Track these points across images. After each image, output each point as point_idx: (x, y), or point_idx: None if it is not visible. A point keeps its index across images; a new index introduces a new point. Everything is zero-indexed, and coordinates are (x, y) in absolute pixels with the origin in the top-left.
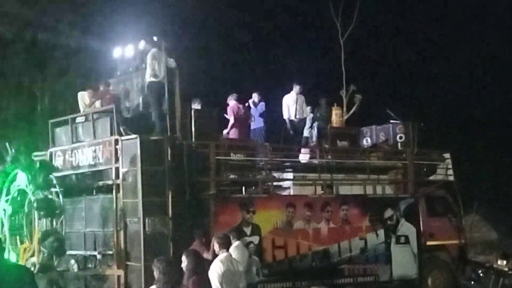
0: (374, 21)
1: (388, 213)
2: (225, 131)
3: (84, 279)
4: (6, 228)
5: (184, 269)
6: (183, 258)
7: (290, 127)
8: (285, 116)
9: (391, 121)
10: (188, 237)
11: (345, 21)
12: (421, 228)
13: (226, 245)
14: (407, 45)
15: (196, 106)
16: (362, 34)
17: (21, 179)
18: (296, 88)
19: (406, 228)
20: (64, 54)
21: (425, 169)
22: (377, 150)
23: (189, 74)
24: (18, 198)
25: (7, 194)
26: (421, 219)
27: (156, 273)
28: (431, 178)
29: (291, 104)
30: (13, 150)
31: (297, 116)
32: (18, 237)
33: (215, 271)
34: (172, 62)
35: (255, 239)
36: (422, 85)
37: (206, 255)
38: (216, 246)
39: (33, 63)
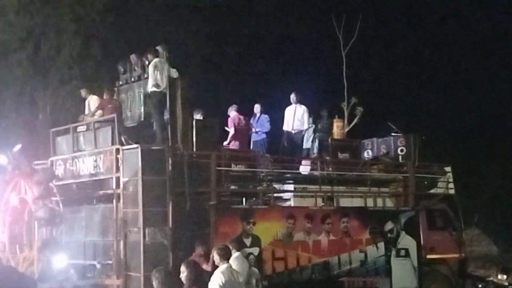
0: (376, 34)
1: (389, 226)
2: (225, 142)
3: None
4: (6, 237)
5: (183, 280)
6: (183, 268)
7: (286, 139)
8: (284, 128)
9: (392, 133)
10: (188, 247)
11: (347, 34)
12: (422, 241)
13: (226, 256)
14: (408, 58)
15: (197, 116)
16: (364, 47)
17: (22, 188)
18: (292, 98)
19: (406, 241)
20: (66, 63)
21: (426, 182)
22: (378, 163)
23: (191, 84)
24: (19, 207)
25: (8, 202)
26: (421, 232)
27: (155, 283)
28: (432, 191)
29: (290, 116)
30: (15, 158)
31: (295, 128)
32: (17, 246)
33: (216, 282)
34: (174, 72)
35: (255, 250)
36: (424, 98)
37: (206, 266)
38: (216, 257)
39: (35, 71)
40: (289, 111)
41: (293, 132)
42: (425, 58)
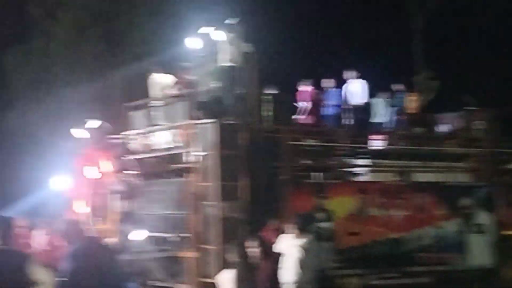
0: (451, 3)
1: (464, 201)
2: (298, 116)
3: (161, 260)
4: (89, 209)
5: (255, 253)
6: (253, 243)
7: (350, 114)
8: (348, 103)
9: (469, 107)
10: (260, 222)
11: (423, 5)
12: (498, 217)
13: (302, 230)
14: (489, 26)
15: (271, 91)
16: (439, 19)
17: (100, 162)
18: (351, 73)
19: (482, 217)
20: (138, 39)
21: (502, 157)
22: (454, 137)
23: (264, 59)
24: (98, 180)
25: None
26: (498, 208)
27: (231, 257)
28: (509, 166)
29: (352, 91)
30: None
31: (356, 102)
32: (97, 218)
33: (292, 256)
34: (247, 47)
35: (328, 225)
36: (502, 70)
37: (278, 240)
38: (291, 231)
39: (108, 47)
40: (350, 87)
41: (356, 107)
42: (510, 25)
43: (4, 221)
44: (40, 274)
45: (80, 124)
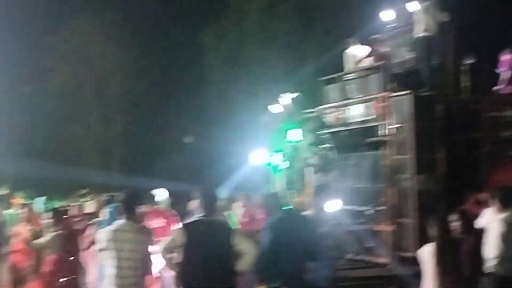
0: None
1: None
2: (499, 87)
3: (356, 234)
4: (283, 183)
5: (455, 227)
6: (454, 217)
7: None
8: None
9: None
10: (458, 195)
11: None
12: None
13: (505, 204)
14: None
15: (469, 60)
16: None
17: (295, 135)
18: None
19: None
20: (331, 11)
21: None
22: None
23: (462, 28)
24: (292, 154)
25: (283, 149)
26: None
27: (431, 231)
28: None
29: None
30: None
31: None
32: (293, 192)
33: (495, 231)
34: (443, 16)
35: None
36: None
37: (478, 214)
38: (493, 205)
39: (300, 22)
40: None
41: None
42: None
43: (208, 193)
44: (243, 245)
45: (276, 99)
